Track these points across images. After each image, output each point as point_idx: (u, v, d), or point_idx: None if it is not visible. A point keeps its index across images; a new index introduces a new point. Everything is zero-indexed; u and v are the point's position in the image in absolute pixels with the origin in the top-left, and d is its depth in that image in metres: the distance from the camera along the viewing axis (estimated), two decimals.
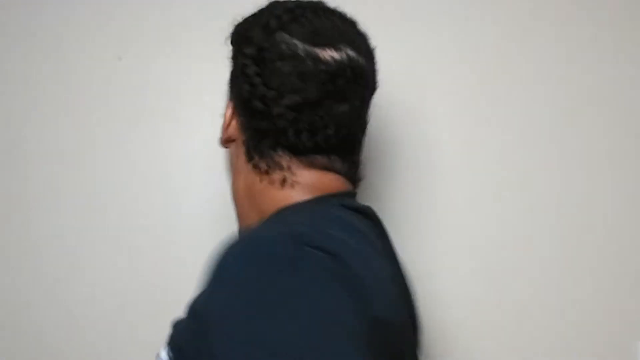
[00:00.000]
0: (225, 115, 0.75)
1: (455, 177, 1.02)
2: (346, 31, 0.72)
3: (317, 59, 0.68)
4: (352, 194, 0.73)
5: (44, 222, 1.02)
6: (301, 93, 0.68)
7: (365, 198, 1.01)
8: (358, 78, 0.71)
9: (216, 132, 0.75)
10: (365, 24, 0.73)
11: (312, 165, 0.71)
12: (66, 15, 1.03)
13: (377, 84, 0.76)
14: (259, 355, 0.48)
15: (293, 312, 0.50)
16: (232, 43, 0.75)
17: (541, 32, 1.03)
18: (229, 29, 0.74)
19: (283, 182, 0.70)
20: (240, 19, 0.74)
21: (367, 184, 1.04)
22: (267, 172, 0.71)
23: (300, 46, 0.69)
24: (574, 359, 0.99)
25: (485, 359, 1.01)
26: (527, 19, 1.03)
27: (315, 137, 0.69)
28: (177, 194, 0.99)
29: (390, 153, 1.04)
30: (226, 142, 0.76)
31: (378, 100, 1.04)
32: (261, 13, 0.73)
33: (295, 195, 0.70)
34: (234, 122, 0.74)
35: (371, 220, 0.70)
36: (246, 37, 0.71)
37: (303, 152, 0.70)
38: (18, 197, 1.02)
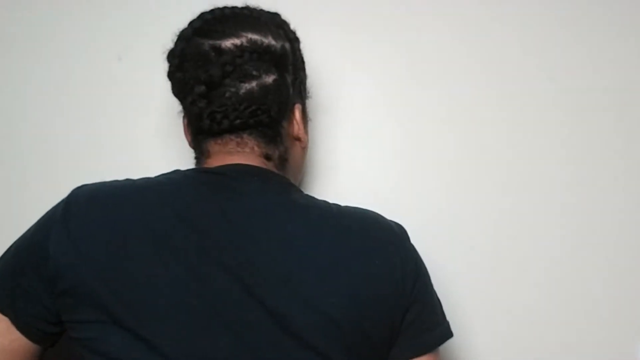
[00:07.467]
0: None
1: (456, 177, 1.02)
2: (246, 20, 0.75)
3: (217, 48, 0.72)
4: (244, 166, 0.73)
5: None
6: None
7: (365, 198, 1.00)
8: (262, 55, 0.72)
9: None
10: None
11: (224, 148, 0.75)
12: (66, 15, 1.03)
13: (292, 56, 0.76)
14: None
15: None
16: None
17: (542, 30, 1.03)
18: None
19: (197, 164, 0.78)
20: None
21: (368, 184, 1.04)
22: (196, 160, 0.79)
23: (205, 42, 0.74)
24: (574, 358, 1.00)
25: (485, 358, 1.01)
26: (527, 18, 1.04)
27: (223, 119, 0.73)
28: None
29: (389, 152, 1.04)
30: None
31: (376, 99, 1.04)
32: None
33: None
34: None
35: (234, 180, 0.72)
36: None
37: (218, 133, 0.74)
38: (17, 198, 1.02)
